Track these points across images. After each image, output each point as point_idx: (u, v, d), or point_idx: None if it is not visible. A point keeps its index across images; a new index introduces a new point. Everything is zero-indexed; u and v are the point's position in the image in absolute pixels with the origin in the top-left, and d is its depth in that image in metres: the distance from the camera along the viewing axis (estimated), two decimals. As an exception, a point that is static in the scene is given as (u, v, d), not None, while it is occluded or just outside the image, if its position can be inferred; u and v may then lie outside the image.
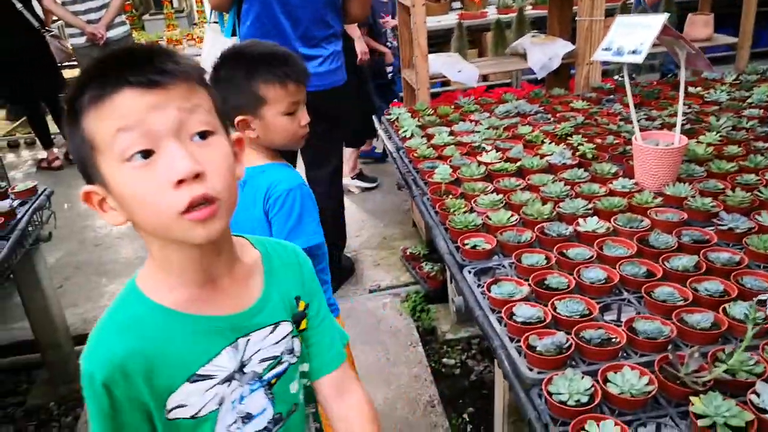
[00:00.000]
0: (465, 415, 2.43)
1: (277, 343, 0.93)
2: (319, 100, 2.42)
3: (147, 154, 0.74)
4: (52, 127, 5.67)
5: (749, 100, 2.66)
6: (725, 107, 2.63)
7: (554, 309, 1.40)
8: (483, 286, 1.55)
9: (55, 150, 5.65)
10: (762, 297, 1.34)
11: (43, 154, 5.70)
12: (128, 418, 0.83)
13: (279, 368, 0.93)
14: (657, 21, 1.79)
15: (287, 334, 0.94)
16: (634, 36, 1.88)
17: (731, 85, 2.92)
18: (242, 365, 0.89)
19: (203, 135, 0.78)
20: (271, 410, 0.93)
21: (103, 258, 4.00)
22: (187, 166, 0.73)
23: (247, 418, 0.91)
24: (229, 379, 0.88)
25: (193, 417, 0.86)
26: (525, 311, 1.39)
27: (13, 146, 6.28)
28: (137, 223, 0.81)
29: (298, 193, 1.51)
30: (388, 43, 4.49)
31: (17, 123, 6.76)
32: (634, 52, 1.84)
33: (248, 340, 0.89)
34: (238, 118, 1.46)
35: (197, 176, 0.74)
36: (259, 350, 0.91)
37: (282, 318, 0.94)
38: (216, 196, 0.76)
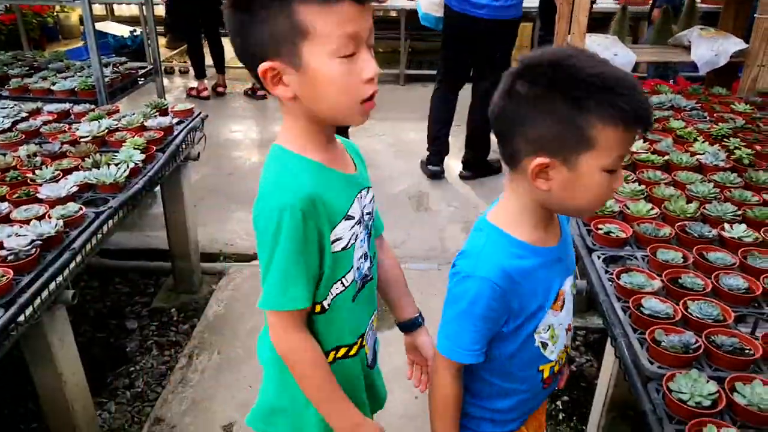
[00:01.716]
0: (559, 402, 2.41)
1: (370, 202, 1.15)
2: (506, 28, 3.75)
3: (351, 54, 0.93)
4: (208, 59, 6.04)
5: None
6: None
7: (686, 308, 1.35)
8: (611, 273, 1.51)
9: (206, 81, 6.03)
10: None
11: (193, 83, 6.09)
12: (312, 248, 1.01)
13: (370, 222, 1.16)
14: None
15: (372, 198, 1.17)
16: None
17: None
18: (362, 213, 1.10)
19: (371, 46, 0.98)
20: (369, 254, 1.16)
21: (233, 186, 4.26)
22: (377, 69, 0.96)
23: (365, 257, 1.13)
24: (359, 221, 1.09)
25: (343, 249, 1.06)
26: (654, 305, 1.35)
27: (168, 72, 6.77)
28: (312, 100, 0.97)
29: (475, 284, 1.05)
30: None
31: (175, 51, 7.26)
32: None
33: (361, 195, 1.10)
34: (537, 161, 0.98)
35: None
36: (365, 204, 1.12)
37: (370, 185, 1.16)
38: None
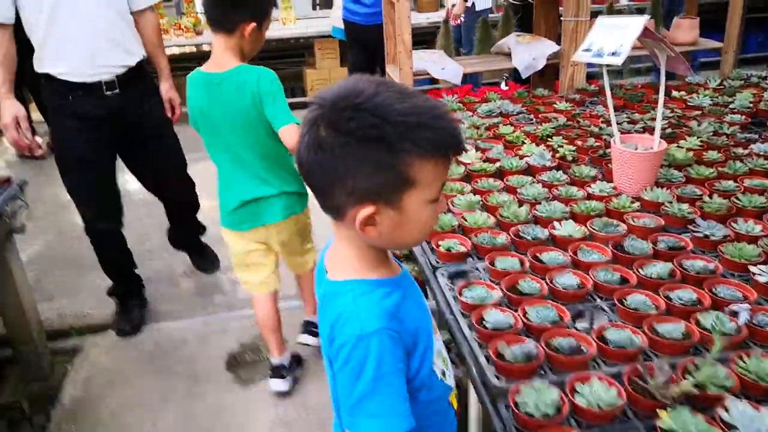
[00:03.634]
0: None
1: None
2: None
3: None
4: (35, 115, 5.58)
5: (731, 106, 2.65)
6: (707, 112, 2.62)
7: (525, 315, 1.37)
8: (455, 290, 1.52)
9: (38, 139, 5.55)
10: (734, 307, 1.32)
11: (23, 142, 5.60)
12: None
13: None
14: (637, 23, 1.77)
15: None
16: (614, 37, 1.85)
17: (715, 90, 2.91)
18: None
19: None
20: None
21: (82, 250, 3.92)
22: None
23: None
24: None
25: None
26: (495, 317, 1.36)
27: (-7, 134, 6.17)
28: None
29: (373, 341, 0.96)
30: None
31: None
32: (614, 53, 1.82)
33: None
34: (363, 212, 0.95)
35: None
36: None
37: None
38: None
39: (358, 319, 0.97)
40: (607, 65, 1.86)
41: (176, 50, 7.77)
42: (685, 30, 3.20)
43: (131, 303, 3.19)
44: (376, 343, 0.95)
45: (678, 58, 1.85)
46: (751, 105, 2.64)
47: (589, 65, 3.24)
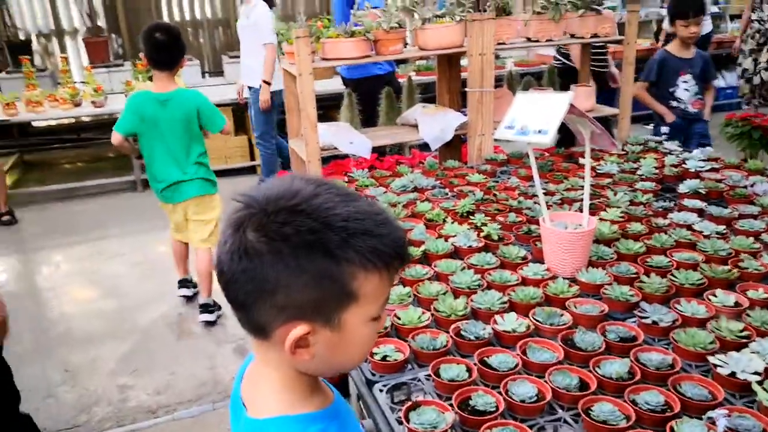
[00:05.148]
0: None
1: None
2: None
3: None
4: None
5: (639, 172, 2.68)
6: (618, 180, 2.63)
7: (487, 443, 1.18)
8: (399, 410, 1.30)
9: None
10: (711, 414, 1.20)
11: None
12: None
13: None
14: (563, 100, 1.70)
15: None
16: (537, 114, 1.77)
17: (619, 156, 2.95)
18: None
19: None
20: None
21: None
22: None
23: None
24: None
25: None
26: (453, 449, 1.16)
27: None
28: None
29: None
30: (674, 103, 3.99)
31: None
32: (540, 131, 1.73)
33: None
34: (296, 332, 0.80)
35: None
36: None
37: None
38: None
39: None
40: (534, 143, 1.77)
41: (53, 122, 7.22)
42: (583, 98, 3.26)
43: None
44: None
45: (603, 134, 1.80)
46: (657, 171, 2.68)
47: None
